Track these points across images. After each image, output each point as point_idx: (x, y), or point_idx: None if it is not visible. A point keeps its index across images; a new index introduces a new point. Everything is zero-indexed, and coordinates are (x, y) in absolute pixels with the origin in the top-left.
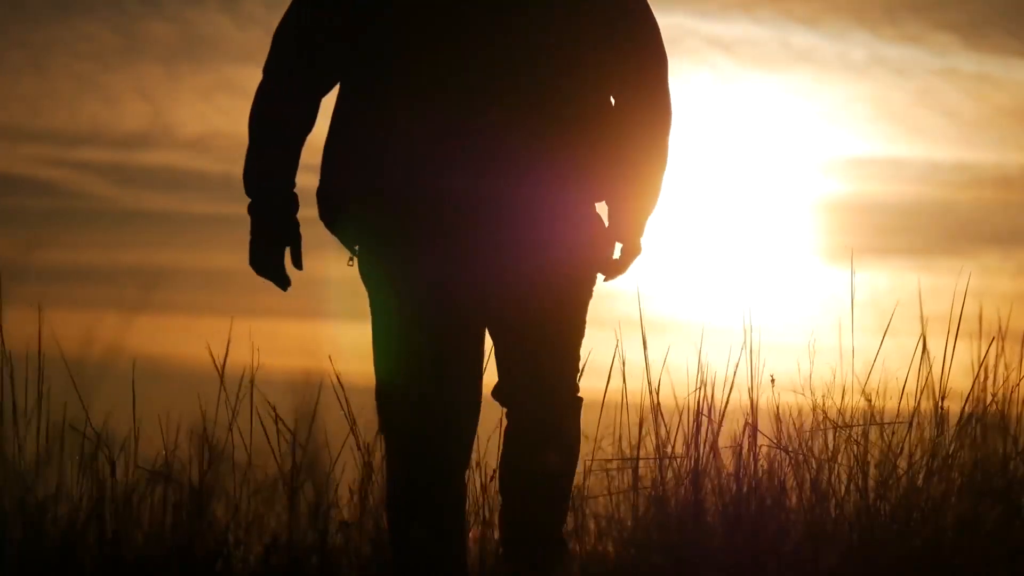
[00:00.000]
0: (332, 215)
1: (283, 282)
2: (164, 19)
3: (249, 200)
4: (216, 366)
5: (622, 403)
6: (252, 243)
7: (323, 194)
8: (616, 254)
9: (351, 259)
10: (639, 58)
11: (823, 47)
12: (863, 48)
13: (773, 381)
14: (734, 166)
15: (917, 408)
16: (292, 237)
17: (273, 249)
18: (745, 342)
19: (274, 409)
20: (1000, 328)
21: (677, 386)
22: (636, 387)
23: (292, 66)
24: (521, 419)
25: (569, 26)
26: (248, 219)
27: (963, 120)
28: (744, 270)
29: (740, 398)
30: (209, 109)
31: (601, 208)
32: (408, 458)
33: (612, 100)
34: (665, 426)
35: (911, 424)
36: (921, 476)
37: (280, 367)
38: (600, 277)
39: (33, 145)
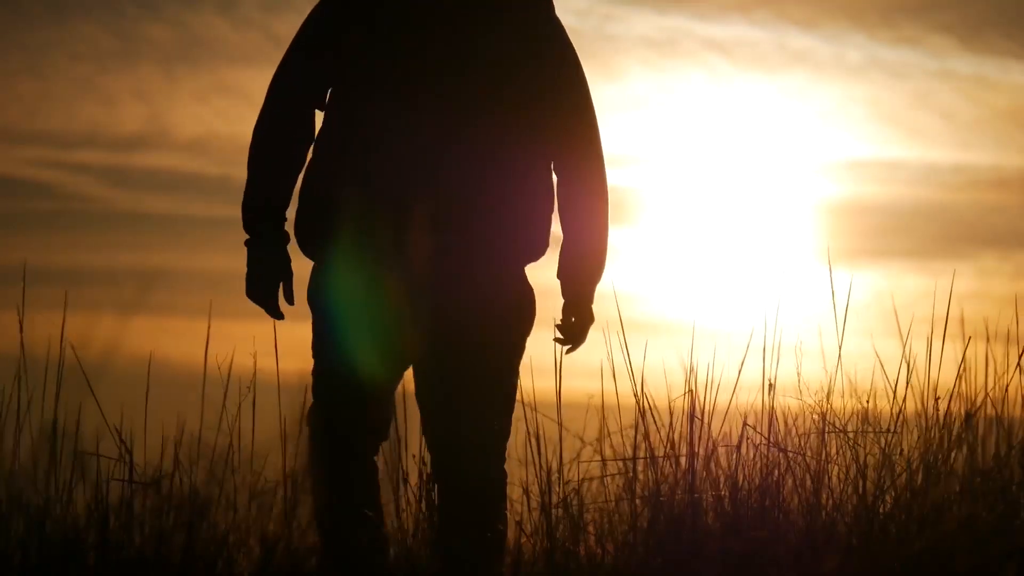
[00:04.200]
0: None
1: (277, 314)
2: (161, 22)
3: (247, 236)
4: (217, 368)
5: (647, 405)
6: (249, 276)
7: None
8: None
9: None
10: (572, 127)
11: (820, 49)
12: (860, 50)
13: (772, 386)
14: (731, 168)
15: (916, 410)
16: (286, 272)
17: (270, 282)
18: (764, 344)
19: (277, 410)
20: (1013, 331)
21: (674, 388)
22: (633, 389)
23: (283, 110)
24: (441, 482)
25: (512, 92)
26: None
27: (960, 122)
28: (741, 272)
29: (738, 400)
30: (206, 111)
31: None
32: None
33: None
34: (662, 427)
35: (899, 424)
36: (919, 477)
37: (280, 369)
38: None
39: (31, 147)
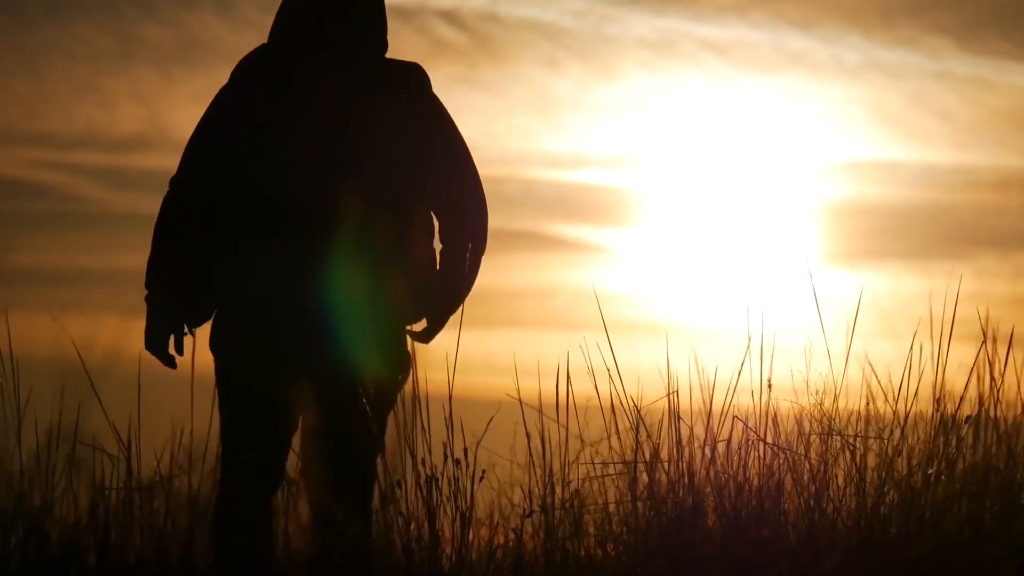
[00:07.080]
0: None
1: (170, 362)
2: (159, 23)
3: (147, 292)
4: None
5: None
6: (147, 328)
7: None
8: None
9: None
10: (454, 187)
11: (817, 50)
12: (857, 51)
13: (771, 386)
14: (729, 169)
15: (916, 411)
16: (178, 327)
17: (163, 336)
18: (749, 345)
19: None
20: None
21: (673, 390)
22: (634, 391)
23: (192, 195)
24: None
25: (392, 155)
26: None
27: (958, 123)
28: (740, 273)
29: (738, 401)
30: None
31: None
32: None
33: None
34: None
35: (905, 426)
36: (919, 478)
37: None
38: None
39: (28, 148)
